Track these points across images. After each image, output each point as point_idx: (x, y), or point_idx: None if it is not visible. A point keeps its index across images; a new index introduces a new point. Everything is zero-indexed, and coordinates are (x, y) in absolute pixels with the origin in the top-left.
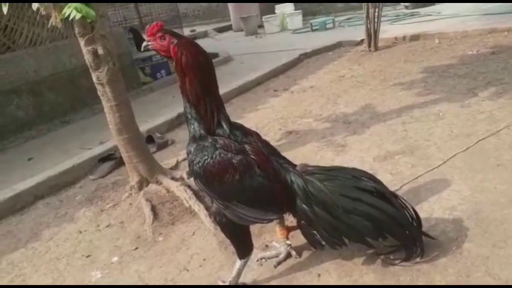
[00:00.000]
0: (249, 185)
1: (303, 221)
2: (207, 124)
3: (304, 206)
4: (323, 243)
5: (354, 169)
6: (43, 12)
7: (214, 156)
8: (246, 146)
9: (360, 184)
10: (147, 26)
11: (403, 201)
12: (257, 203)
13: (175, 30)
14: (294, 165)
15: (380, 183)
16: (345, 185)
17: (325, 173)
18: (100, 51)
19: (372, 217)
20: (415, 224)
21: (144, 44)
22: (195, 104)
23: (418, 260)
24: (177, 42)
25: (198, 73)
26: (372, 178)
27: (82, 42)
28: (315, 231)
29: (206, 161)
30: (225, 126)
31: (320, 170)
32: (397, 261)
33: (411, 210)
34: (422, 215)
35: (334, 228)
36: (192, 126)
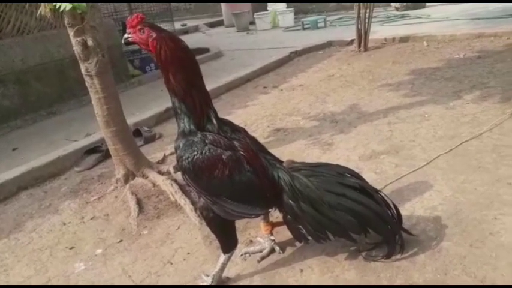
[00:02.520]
0: (238, 181)
1: (289, 216)
2: (197, 119)
3: (290, 201)
4: (308, 237)
5: (338, 166)
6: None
7: (203, 151)
8: (235, 142)
9: (344, 180)
10: (127, 18)
11: (384, 196)
12: (245, 198)
13: (166, 24)
14: (281, 162)
15: (362, 179)
16: (329, 181)
17: (311, 169)
18: (89, 42)
19: (355, 212)
20: (395, 220)
21: (125, 36)
22: (183, 99)
23: (398, 256)
24: (155, 37)
25: (179, 68)
26: (354, 175)
27: (71, 33)
28: (300, 226)
29: (195, 157)
30: (214, 121)
31: (306, 166)
32: (378, 258)
33: (392, 205)
34: (404, 213)
35: (319, 222)
36: (182, 121)
